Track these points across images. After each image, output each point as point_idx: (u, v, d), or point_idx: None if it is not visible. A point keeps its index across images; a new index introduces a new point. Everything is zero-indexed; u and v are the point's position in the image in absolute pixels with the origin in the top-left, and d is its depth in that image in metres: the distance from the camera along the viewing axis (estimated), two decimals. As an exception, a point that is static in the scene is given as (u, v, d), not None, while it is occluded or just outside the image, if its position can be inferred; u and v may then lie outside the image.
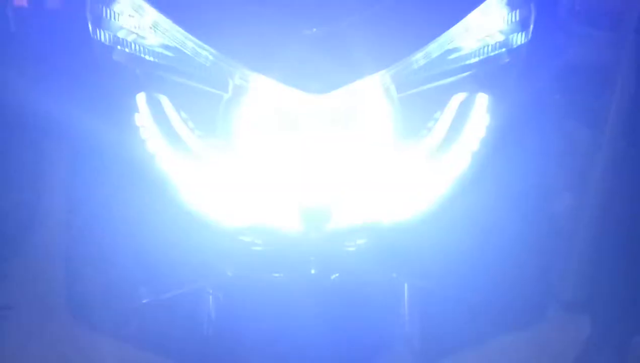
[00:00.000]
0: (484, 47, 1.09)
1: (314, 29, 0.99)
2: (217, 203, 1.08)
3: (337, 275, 1.06)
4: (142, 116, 1.13)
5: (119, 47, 1.11)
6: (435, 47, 1.03)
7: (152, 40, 1.09)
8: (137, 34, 1.10)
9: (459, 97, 1.15)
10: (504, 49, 1.10)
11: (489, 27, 1.08)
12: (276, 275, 1.07)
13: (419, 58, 1.02)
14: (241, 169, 1.09)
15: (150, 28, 1.09)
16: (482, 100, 1.14)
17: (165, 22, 1.06)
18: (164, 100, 1.14)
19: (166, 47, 1.08)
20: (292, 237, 1.01)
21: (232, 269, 1.07)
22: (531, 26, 1.09)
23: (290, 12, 1.01)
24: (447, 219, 1.06)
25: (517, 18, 1.09)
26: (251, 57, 0.99)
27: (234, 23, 1.01)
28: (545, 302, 1.25)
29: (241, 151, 1.08)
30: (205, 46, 1.02)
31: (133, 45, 1.10)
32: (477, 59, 1.09)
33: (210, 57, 1.02)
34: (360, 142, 1.07)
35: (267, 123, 1.04)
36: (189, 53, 1.04)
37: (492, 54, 1.09)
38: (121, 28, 1.10)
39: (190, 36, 1.03)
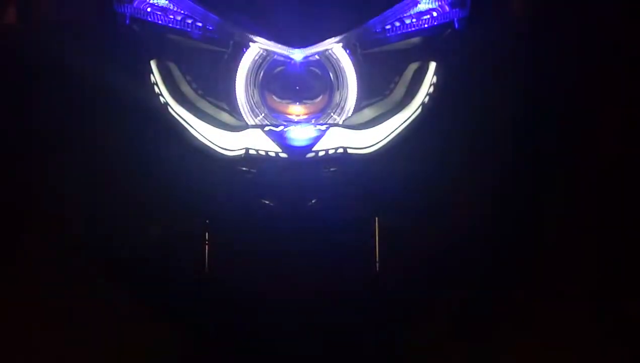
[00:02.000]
0: (430, 17, 1.39)
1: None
2: (216, 139, 1.34)
3: (314, 201, 1.31)
4: (156, 76, 1.39)
5: (136, 16, 1.37)
6: (390, 15, 1.31)
7: (168, 10, 1.36)
8: (153, 5, 1.36)
9: (414, 65, 1.44)
10: (447, 20, 1.40)
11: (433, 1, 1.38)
12: (266, 202, 1.33)
13: (377, 23, 1.30)
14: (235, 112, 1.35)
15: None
16: (432, 65, 1.43)
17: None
18: (172, 66, 1.41)
19: (176, 13, 1.35)
20: (279, 164, 1.27)
21: (230, 194, 1.31)
22: (468, 3, 1.39)
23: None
24: (402, 154, 1.33)
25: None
26: (247, 21, 1.27)
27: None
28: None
29: (238, 101, 1.35)
30: (211, 13, 1.29)
31: (149, 15, 1.36)
32: (423, 28, 1.38)
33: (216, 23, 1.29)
34: (334, 90, 1.35)
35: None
36: (197, 19, 1.31)
37: (437, 24, 1.39)
38: (139, 1, 1.37)
39: (198, 6, 1.30)
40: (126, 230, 1.44)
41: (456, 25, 1.40)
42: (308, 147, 1.29)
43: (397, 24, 1.34)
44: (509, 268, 1.51)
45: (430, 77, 1.42)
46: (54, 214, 1.53)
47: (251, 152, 1.29)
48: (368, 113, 1.41)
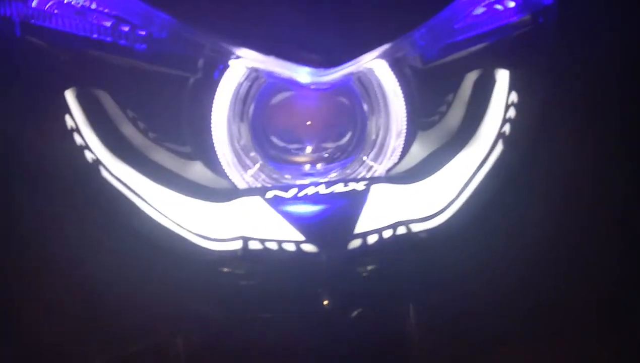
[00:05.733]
0: (502, 13, 0.90)
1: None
2: (190, 222, 0.80)
3: (357, 311, 0.79)
4: (75, 117, 0.84)
5: (32, 22, 0.81)
6: (457, 9, 0.81)
7: (87, 10, 0.80)
8: (60, 3, 0.81)
9: (473, 76, 0.95)
10: (526, 14, 0.92)
11: None
12: (269, 315, 0.80)
13: (442, 22, 0.80)
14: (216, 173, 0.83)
15: None
16: (503, 76, 0.95)
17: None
18: (104, 96, 0.86)
19: (103, 17, 0.80)
20: (300, 264, 0.74)
21: (214, 313, 0.77)
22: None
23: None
24: (489, 220, 0.83)
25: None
26: (229, 25, 0.73)
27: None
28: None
29: (217, 147, 0.82)
30: (160, 13, 0.74)
31: (56, 20, 0.80)
32: (494, 27, 0.90)
33: (173, 29, 0.75)
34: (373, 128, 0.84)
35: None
36: (148, 25, 0.76)
37: (513, 20, 0.91)
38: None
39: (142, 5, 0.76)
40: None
41: (540, 18, 0.92)
42: (348, 229, 0.77)
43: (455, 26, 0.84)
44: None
45: (503, 94, 0.94)
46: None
47: (252, 245, 0.76)
48: (414, 152, 0.91)
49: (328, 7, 0.75)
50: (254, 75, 0.81)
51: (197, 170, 0.85)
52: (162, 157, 0.86)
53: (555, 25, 0.92)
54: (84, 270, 0.82)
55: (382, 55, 0.78)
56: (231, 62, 0.77)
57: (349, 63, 0.75)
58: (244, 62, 0.77)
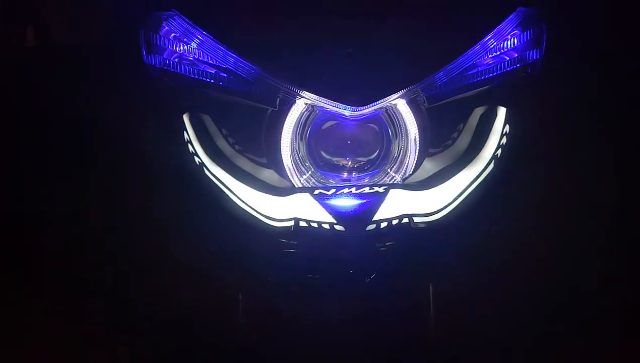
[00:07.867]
0: (500, 63, 1.20)
1: (351, 50, 1.10)
2: (259, 206, 1.17)
3: (373, 276, 1.13)
4: (189, 134, 1.24)
5: (167, 69, 1.22)
6: (455, 66, 1.13)
7: (199, 61, 1.20)
8: (183, 56, 1.21)
9: (479, 110, 1.26)
10: (519, 65, 1.21)
11: (504, 46, 1.19)
12: (310, 276, 1.15)
13: (442, 75, 1.12)
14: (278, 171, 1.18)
15: (197, 50, 1.19)
16: (502, 111, 1.25)
17: (211, 44, 1.17)
18: (207, 119, 1.25)
19: (212, 67, 1.19)
20: (332, 239, 1.09)
21: (272, 272, 1.14)
22: (544, 43, 1.20)
23: (328, 34, 1.12)
24: (473, 220, 1.14)
25: (530, 37, 1.21)
26: (296, 75, 1.10)
27: (279, 44, 1.13)
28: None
29: (283, 158, 1.18)
30: (253, 66, 1.12)
31: (180, 67, 1.21)
32: (493, 75, 1.20)
33: (256, 76, 1.13)
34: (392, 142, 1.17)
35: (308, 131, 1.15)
36: (239, 73, 1.14)
37: (508, 70, 1.20)
38: (169, 51, 1.22)
39: (236, 57, 1.14)
40: (156, 301, 1.28)
41: (529, 69, 1.22)
42: (367, 217, 1.11)
43: (462, 73, 1.16)
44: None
45: (500, 125, 1.24)
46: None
47: (301, 224, 1.12)
48: (429, 167, 1.23)
49: (364, 61, 1.09)
50: (311, 109, 1.17)
51: (267, 174, 1.22)
52: (244, 163, 1.24)
53: (541, 74, 1.22)
54: (186, 239, 1.22)
55: (402, 96, 1.11)
56: (297, 101, 1.13)
57: (375, 103, 1.09)
58: (305, 100, 1.13)
